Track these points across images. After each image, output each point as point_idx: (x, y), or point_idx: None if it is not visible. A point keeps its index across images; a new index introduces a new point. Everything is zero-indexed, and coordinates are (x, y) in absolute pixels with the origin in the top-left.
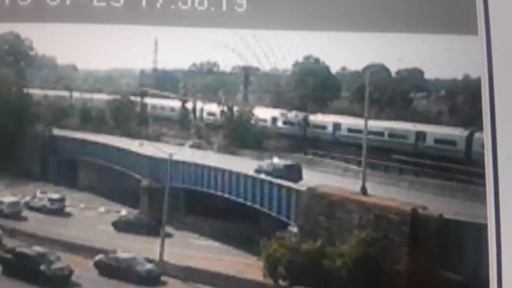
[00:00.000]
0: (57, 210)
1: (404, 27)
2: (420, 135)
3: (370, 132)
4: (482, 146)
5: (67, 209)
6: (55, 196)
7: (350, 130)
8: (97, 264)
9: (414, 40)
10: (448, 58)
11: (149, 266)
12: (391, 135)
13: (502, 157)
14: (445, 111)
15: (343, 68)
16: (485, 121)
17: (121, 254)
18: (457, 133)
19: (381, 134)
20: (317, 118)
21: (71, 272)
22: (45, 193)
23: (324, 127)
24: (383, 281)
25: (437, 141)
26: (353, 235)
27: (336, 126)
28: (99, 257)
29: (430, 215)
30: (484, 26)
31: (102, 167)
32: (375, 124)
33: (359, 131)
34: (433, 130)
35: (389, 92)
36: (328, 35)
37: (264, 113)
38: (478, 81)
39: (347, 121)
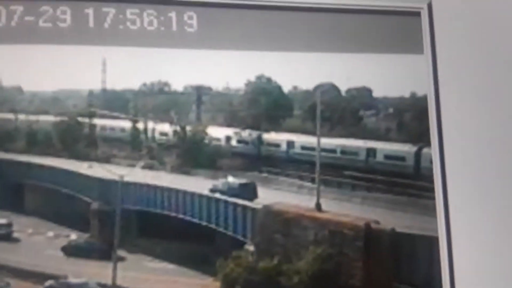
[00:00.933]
0: (4, 236)
1: (353, 47)
2: (371, 152)
3: (323, 149)
4: (430, 161)
5: (15, 235)
6: (2, 221)
7: (303, 147)
8: None
9: (362, 59)
10: (396, 76)
11: None
12: (343, 152)
13: (449, 171)
14: (393, 127)
15: (295, 87)
16: (432, 137)
17: (72, 280)
18: (406, 149)
19: (333, 151)
20: (270, 136)
21: None
22: None
23: (277, 145)
24: None
25: (387, 157)
26: (309, 251)
27: (290, 144)
28: (49, 283)
29: (382, 229)
30: (430, 45)
31: (49, 190)
32: (328, 142)
33: (312, 149)
34: (383, 147)
35: (340, 110)
36: (279, 55)
37: (217, 132)
38: (424, 99)
39: (301, 139)
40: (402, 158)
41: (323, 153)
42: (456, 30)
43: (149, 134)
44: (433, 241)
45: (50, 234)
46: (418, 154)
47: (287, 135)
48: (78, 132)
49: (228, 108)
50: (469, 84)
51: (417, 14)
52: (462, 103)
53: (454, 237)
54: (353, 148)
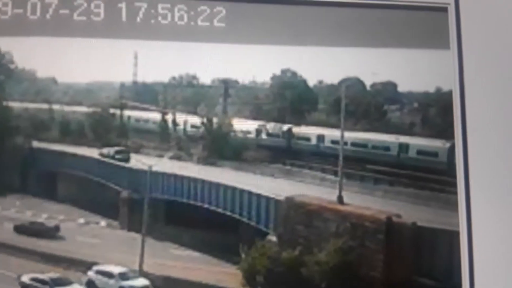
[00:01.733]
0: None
1: (379, 42)
2: (403, 147)
3: (354, 144)
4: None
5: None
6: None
7: (333, 141)
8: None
9: (388, 54)
10: (421, 71)
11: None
12: (374, 146)
13: (472, 166)
14: (417, 122)
15: (320, 82)
16: (456, 132)
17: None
18: (439, 144)
19: (364, 146)
20: (300, 130)
21: None
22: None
23: (308, 139)
24: (360, 287)
25: (419, 152)
26: (331, 243)
27: (320, 137)
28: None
29: (404, 223)
30: (456, 40)
31: (81, 179)
32: (358, 136)
33: (336, 142)
34: (416, 142)
35: (364, 104)
36: (305, 49)
37: (243, 125)
38: (449, 94)
39: (331, 133)
40: (435, 154)
41: (354, 148)
42: (482, 26)
43: (177, 126)
44: (454, 236)
45: (81, 220)
46: (451, 150)
47: (315, 128)
48: (109, 123)
49: (254, 101)
50: (494, 80)
51: (444, 9)
52: (487, 99)
53: (475, 232)
54: (386, 143)
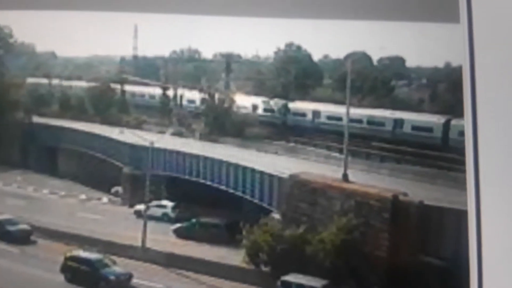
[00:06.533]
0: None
1: (386, 15)
2: (398, 122)
3: (350, 120)
4: (459, 133)
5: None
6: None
7: (329, 117)
8: None
9: (396, 28)
10: (430, 46)
11: None
12: (370, 122)
13: (482, 144)
14: (426, 98)
15: (325, 56)
16: (466, 109)
17: None
18: (434, 119)
19: (359, 121)
20: (296, 105)
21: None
22: None
23: (303, 115)
24: (364, 266)
25: (414, 128)
26: (335, 221)
27: (316, 113)
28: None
29: (410, 202)
30: (466, 14)
31: (82, 154)
32: (354, 112)
33: (338, 119)
34: (411, 117)
35: (371, 80)
36: (310, 22)
37: (245, 101)
38: (459, 69)
39: (327, 109)
40: (430, 129)
41: (350, 124)
42: None
43: (179, 101)
44: (461, 215)
45: (83, 196)
46: (446, 126)
47: (313, 104)
48: (110, 98)
49: (257, 76)
50: (506, 55)
51: None
52: (498, 75)
53: (484, 211)
54: (380, 119)
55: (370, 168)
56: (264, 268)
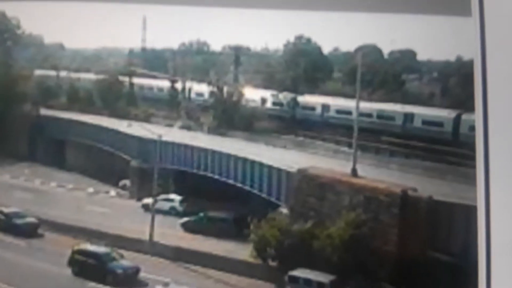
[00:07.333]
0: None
1: (398, 7)
2: (408, 117)
3: (359, 114)
4: (470, 127)
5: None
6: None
7: (338, 111)
8: None
9: (407, 21)
10: (441, 39)
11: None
12: (379, 116)
13: (492, 139)
14: (437, 93)
15: (335, 49)
16: (477, 103)
17: None
18: (444, 114)
19: (369, 115)
20: (305, 99)
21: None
22: None
23: (313, 108)
24: (372, 261)
25: (425, 122)
26: (343, 216)
27: (325, 107)
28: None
29: (419, 197)
30: (478, 7)
31: (90, 147)
32: (364, 106)
33: (347, 113)
34: (421, 112)
35: (382, 73)
36: (320, 14)
37: (254, 94)
38: (470, 63)
39: (336, 102)
40: (440, 124)
41: (359, 118)
42: None
43: (187, 94)
44: (471, 210)
45: (90, 190)
46: (457, 120)
47: (322, 98)
48: (118, 90)
49: (266, 69)
50: None
51: None
52: (510, 70)
53: (493, 207)
54: (390, 113)
55: (379, 162)
56: (271, 263)
